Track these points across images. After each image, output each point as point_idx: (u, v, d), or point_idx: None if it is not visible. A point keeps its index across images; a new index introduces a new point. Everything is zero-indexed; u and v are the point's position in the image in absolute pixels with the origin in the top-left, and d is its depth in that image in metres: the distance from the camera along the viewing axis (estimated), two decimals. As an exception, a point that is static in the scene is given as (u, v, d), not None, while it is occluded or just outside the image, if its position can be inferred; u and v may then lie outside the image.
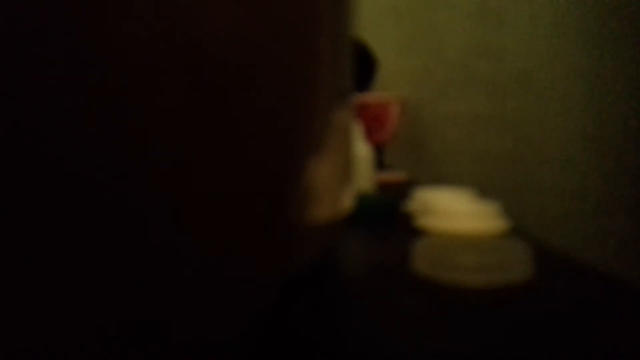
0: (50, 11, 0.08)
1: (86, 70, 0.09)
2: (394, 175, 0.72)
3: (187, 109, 0.11)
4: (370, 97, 0.89)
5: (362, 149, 0.51)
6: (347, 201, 0.22)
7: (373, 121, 0.86)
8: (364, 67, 0.92)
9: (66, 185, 0.09)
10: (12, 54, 0.08)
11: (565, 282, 0.25)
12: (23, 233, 0.09)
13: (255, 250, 0.13)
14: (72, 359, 0.10)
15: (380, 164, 0.88)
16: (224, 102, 0.11)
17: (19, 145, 0.09)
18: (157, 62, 0.10)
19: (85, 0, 0.09)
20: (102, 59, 0.09)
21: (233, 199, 0.12)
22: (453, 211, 0.33)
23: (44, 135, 0.09)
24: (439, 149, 1.11)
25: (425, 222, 0.34)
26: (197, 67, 0.11)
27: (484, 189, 1.10)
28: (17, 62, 0.08)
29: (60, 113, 0.09)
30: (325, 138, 0.16)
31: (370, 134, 0.86)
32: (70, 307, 0.10)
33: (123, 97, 0.10)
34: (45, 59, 0.09)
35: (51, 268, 0.09)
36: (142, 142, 0.10)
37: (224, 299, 0.12)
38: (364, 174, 0.51)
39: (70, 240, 0.09)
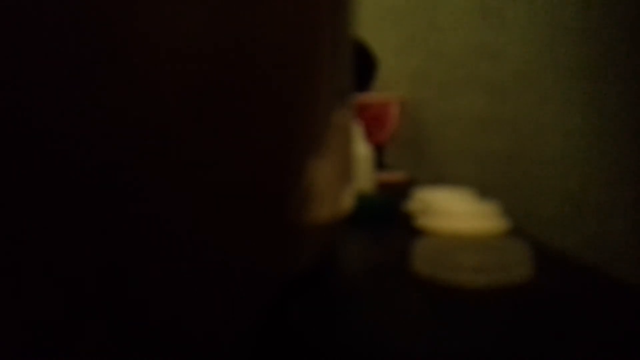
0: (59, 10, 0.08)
1: (93, 67, 0.09)
2: (394, 175, 0.72)
3: (188, 109, 0.11)
4: (370, 97, 0.89)
5: (362, 149, 0.51)
6: (347, 201, 0.22)
7: (373, 121, 0.86)
8: (364, 67, 0.91)
9: (69, 177, 0.09)
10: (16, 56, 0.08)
11: (565, 282, 0.25)
12: (29, 224, 0.09)
13: (255, 250, 0.13)
14: (70, 356, 0.10)
15: (380, 164, 0.88)
16: (225, 102, 0.11)
17: (28, 140, 0.09)
18: (160, 62, 0.10)
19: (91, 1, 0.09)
20: (110, 56, 0.09)
21: (234, 198, 0.12)
22: (453, 211, 0.33)
23: (51, 130, 0.09)
24: (439, 149, 1.11)
25: (425, 222, 0.34)
26: (199, 66, 0.11)
27: (484, 189, 1.10)
28: (21, 59, 0.08)
29: (69, 108, 0.09)
30: (326, 138, 0.16)
31: (370, 134, 0.86)
32: (68, 302, 0.10)
33: (129, 92, 0.10)
34: (51, 55, 0.09)
35: (54, 263, 0.09)
36: (144, 141, 0.10)
37: (224, 298, 0.12)
38: (364, 174, 0.51)
39: (73, 233, 0.09)
